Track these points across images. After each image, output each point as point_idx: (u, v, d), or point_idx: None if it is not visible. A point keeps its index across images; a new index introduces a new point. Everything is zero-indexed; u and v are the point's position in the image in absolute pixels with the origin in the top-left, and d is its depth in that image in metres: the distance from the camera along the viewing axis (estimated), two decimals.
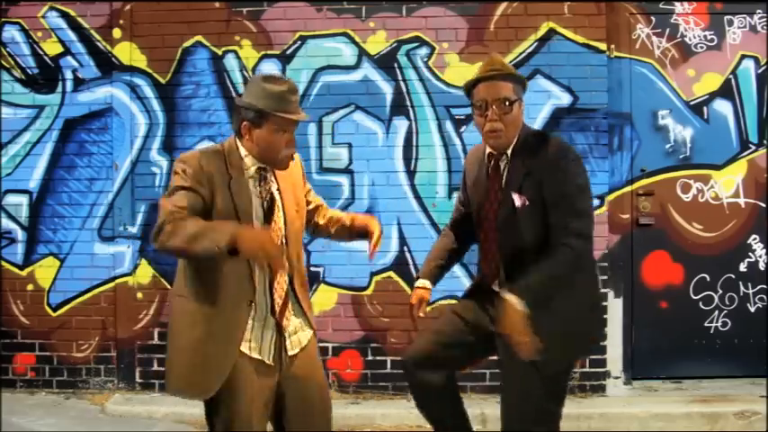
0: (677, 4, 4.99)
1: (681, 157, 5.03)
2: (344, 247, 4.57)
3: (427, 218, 4.90)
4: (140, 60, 4.96)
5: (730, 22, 5.00)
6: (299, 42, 4.94)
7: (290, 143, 2.64)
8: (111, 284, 4.99)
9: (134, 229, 4.98)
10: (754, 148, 5.03)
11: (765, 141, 5.04)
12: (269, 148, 2.62)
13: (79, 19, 5.00)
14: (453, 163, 4.88)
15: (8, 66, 5.02)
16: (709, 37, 5.00)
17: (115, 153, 4.98)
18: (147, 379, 4.97)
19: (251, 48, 4.94)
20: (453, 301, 4.73)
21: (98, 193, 5.01)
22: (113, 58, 4.97)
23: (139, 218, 4.98)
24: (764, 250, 5.04)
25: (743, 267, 5.04)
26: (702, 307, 5.03)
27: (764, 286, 5.04)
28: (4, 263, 5.04)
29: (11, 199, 5.05)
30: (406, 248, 4.91)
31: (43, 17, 5.02)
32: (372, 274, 4.91)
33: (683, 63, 5.00)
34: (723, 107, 5.01)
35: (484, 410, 4.40)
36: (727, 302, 5.03)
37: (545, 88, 4.85)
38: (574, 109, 4.85)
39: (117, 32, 4.97)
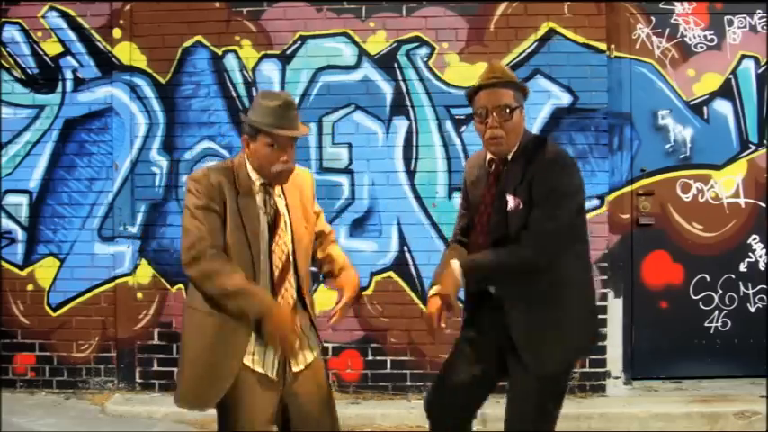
0: (677, 4, 4.99)
1: (681, 157, 5.03)
2: (344, 246, 4.56)
3: (427, 218, 4.90)
4: (140, 60, 4.96)
5: (730, 22, 5.00)
6: (299, 42, 4.94)
7: (285, 159, 2.67)
8: (111, 284, 4.99)
9: (134, 229, 4.98)
10: (754, 148, 5.03)
11: (765, 141, 5.04)
12: (263, 163, 2.68)
13: (79, 19, 5.00)
14: (453, 163, 4.88)
15: (8, 66, 5.02)
16: (709, 37, 5.00)
17: (115, 153, 4.98)
18: (147, 379, 4.98)
19: (251, 48, 4.94)
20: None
21: (98, 193, 5.01)
22: (113, 58, 4.97)
23: (139, 218, 4.98)
24: (764, 250, 5.04)
25: (743, 267, 5.04)
26: (702, 307, 5.03)
27: (764, 286, 5.04)
28: (4, 263, 5.04)
29: (11, 199, 5.05)
30: (405, 248, 4.91)
31: (43, 17, 5.02)
32: (372, 274, 4.91)
33: (683, 63, 5.00)
34: (723, 107, 5.02)
35: (484, 410, 4.39)
36: (727, 302, 5.03)
37: (545, 88, 4.84)
38: (574, 109, 4.85)
39: (117, 32, 4.97)
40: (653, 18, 4.98)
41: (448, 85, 4.87)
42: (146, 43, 4.96)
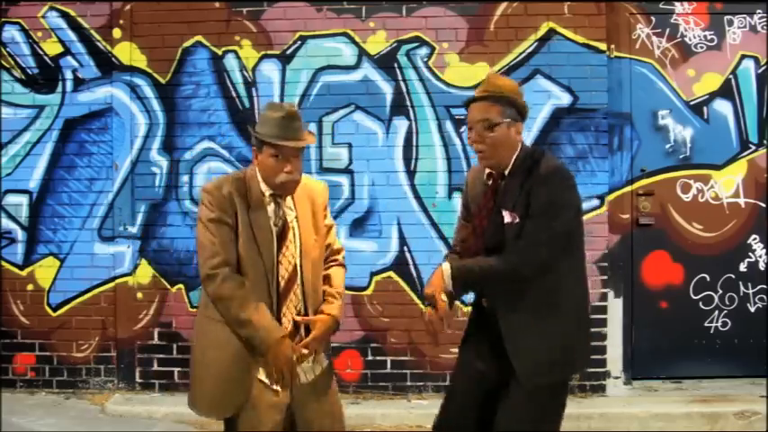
0: (677, 4, 4.99)
1: (681, 157, 5.03)
2: (344, 246, 4.54)
3: (427, 218, 4.90)
4: (140, 60, 4.96)
5: (730, 22, 5.00)
6: (299, 42, 4.93)
7: (290, 169, 2.69)
8: (111, 284, 4.99)
9: (134, 229, 4.98)
10: (754, 148, 5.03)
11: (765, 141, 5.04)
12: (268, 174, 2.72)
13: (79, 19, 5.00)
14: (453, 163, 4.88)
15: (8, 66, 5.02)
16: (709, 37, 5.00)
17: (115, 153, 4.98)
18: (147, 379, 4.97)
19: (251, 48, 4.94)
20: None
21: (98, 193, 5.01)
22: (113, 58, 4.97)
23: (139, 218, 4.98)
24: (764, 250, 5.04)
25: (743, 267, 5.04)
26: (702, 307, 5.03)
27: (764, 286, 5.04)
28: (4, 263, 5.04)
29: (11, 199, 5.05)
30: (405, 248, 4.91)
31: (43, 17, 5.02)
32: (372, 275, 4.91)
33: (683, 63, 5.00)
34: (723, 107, 5.02)
35: None
36: (727, 302, 5.03)
37: (545, 88, 4.84)
38: (574, 109, 4.85)
39: (117, 32, 4.97)
40: (653, 18, 4.98)
41: (448, 85, 4.87)
42: (146, 43, 4.96)
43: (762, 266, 5.04)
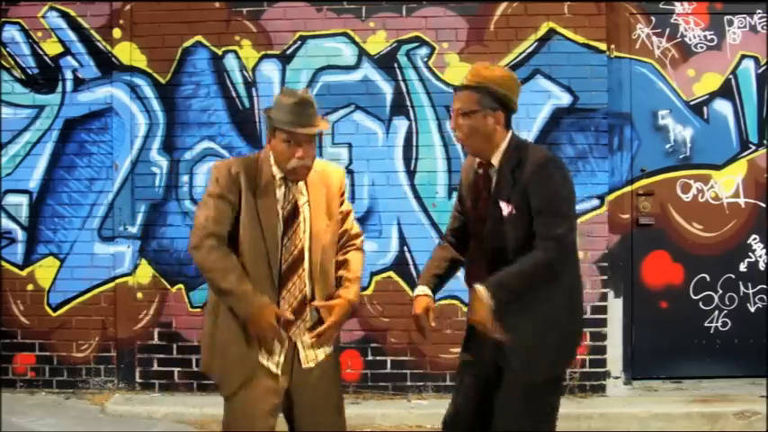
0: (677, 4, 4.98)
1: (681, 157, 5.03)
2: None
3: (427, 218, 4.90)
4: (140, 60, 4.96)
5: (730, 22, 5.00)
6: (299, 42, 4.94)
7: (301, 155, 2.70)
8: (111, 284, 4.99)
9: (134, 229, 4.98)
10: (754, 148, 5.03)
11: (765, 141, 5.04)
12: (280, 158, 2.75)
13: (79, 19, 5.00)
14: (453, 163, 4.88)
15: (8, 66, 5.02)
16: (709, 37, 5.00)
17: (115, 153, 4.98)
18: (147, 379, 4.97)
19: (251, 48, 4.94)
20: (455, 302, 4.77)
21: (98, 193, 5.01)
22: (113, 58, 4.97)
23: (139, 218, 4.98)
24: (764, 250, 5.04)
25: (743, 267, 5.04)
26: (702, 307, 5.03)
27: (764, 286, 5.04)
28: (4, 263, 5.04)
29: (11, 199, 5.05)
30: (405, 248, 4.91)
31: (43, 17, 5.02)
32: (372, 275, 4.91)
33: (683, 63, 5.00)
34: (723, 107, 5.01)
35: None
36: (727, 302, 5.03)
37: (545, 88, 4.85)
38: (574, 109, 4.85)
39: (117, 32, 4.97)
40: (653, 18, 4.98)
41: (448, 85, 4.86)
42: (146, 43, 4.96)
43: (762, 266, 5.04)
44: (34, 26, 5.01)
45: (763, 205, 5.04)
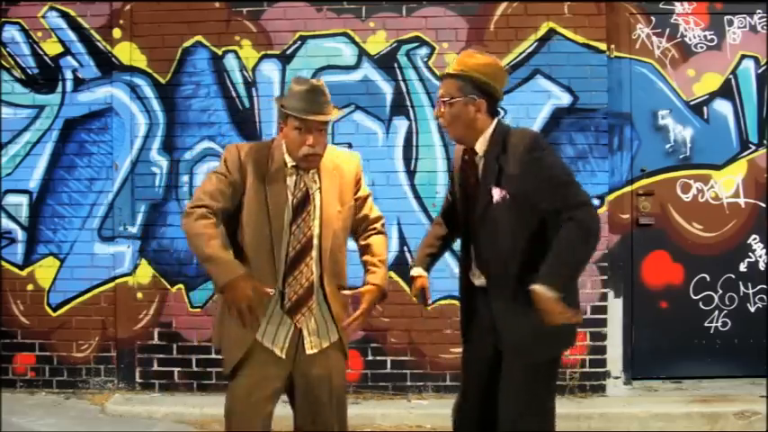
0: (677, 4, 4.99)
1: (681, 157, 5.03)
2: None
3: (427, 218, 4.90)
4: (140, 60, 4.96)
5: (730, 22, 5.00)
6: (299, 42, 4.93)
7: (312, 142, 2.72)
8: (111, 284, 4.99)
9: (134, 229, 4.98)
10: (754, 148, 5.03)
11: (765, 141, 5.04)
12: (291, 146, 2.76)
13: (79, 19, 5.00)
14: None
15: (8, 66, 5.02)
16: (709, 37, 5.00)
17: (115, 153, 4.98)
18: (147, 379, 4.97)
19: (251, 48, 4.94)
20: (455, 302, 4.76)
21: (98, 193, 5.01)
22: (113, 58, 4.97)
23: (139, 218, 4.98)
24: (764, 250, 5.04)
25: (743, 267, 5.04)
26: (702, 307, 5.03)
27: (764, 286, 5.04)
28: (4, 263, 5.04)
29: (11, 199, 5.05)
30: (405, 248, 4.91)
31: (43, 17, 5.02)
32: None
33: (683, 63, 5.00)
34: (723, 107, 5.02)
35: None
36: (727, 302, 5.03)
37: (545, 88, 4.84)
38: (574, 109, 4.85)
39: (117, 32, 4.97)
40: (653, 18, 4.98)
41: None
42: (146, 43, 4.96)
43: (762, 266, 5.04)
44: (34, 26, 5.01)
45: (763, 205, 5.04)
